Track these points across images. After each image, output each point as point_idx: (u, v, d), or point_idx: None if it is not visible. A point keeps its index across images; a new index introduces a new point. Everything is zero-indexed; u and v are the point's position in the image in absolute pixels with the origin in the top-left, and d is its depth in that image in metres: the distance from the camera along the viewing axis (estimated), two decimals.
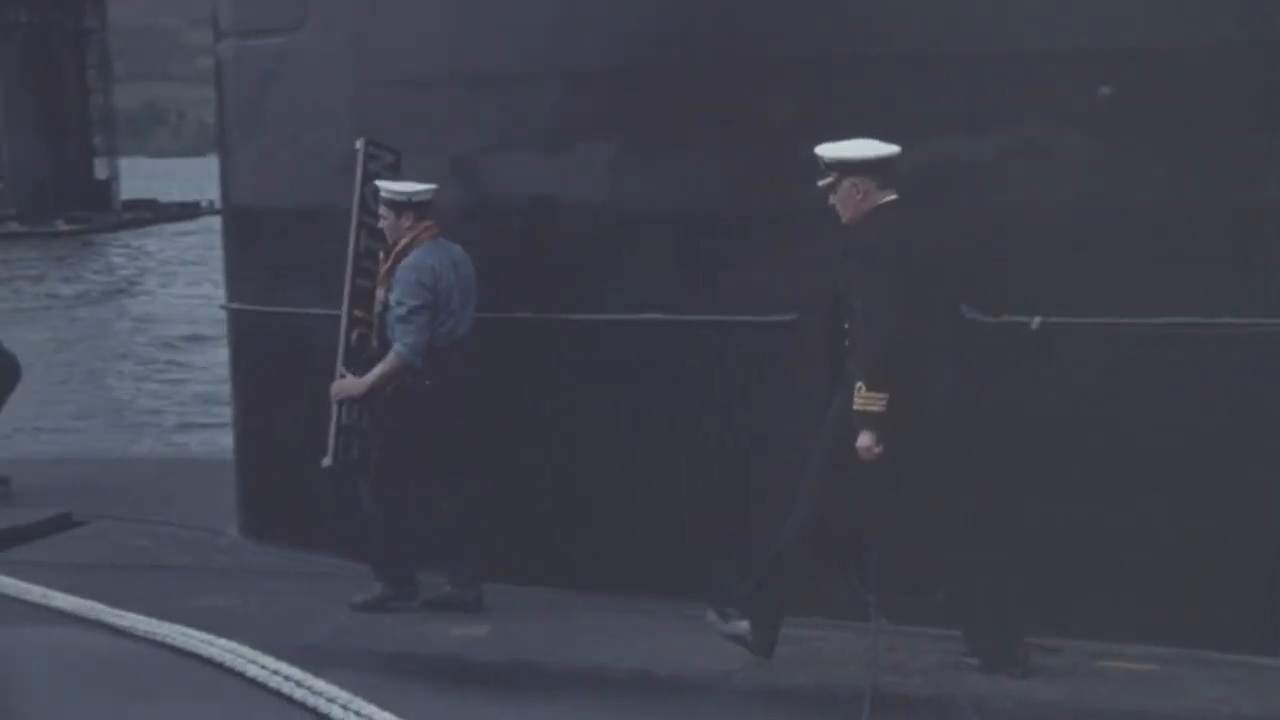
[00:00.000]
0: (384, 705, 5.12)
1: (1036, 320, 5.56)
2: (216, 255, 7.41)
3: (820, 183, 5.34)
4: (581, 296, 6.43)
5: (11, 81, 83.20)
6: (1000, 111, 5.67)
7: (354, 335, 6.52)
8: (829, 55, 5.88)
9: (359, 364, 6.39)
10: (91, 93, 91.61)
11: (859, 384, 5.08)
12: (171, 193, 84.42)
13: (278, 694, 5.38)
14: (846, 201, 5.30)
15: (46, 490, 8.92)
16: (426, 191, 6.33)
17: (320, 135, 7.00)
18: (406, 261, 6.26)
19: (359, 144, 6.52)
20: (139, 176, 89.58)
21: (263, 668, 5.54)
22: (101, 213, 70.44)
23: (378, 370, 6.25)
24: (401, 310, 6.18)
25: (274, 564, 7.15)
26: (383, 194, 6.35)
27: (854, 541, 5.42)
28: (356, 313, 6.49)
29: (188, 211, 75.30)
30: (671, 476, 6.29)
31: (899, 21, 5.76)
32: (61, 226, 73.39)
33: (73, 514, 8.17)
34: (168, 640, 5.89)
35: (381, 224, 6.39)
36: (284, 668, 5.50)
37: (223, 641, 5.76)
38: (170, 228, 68.06)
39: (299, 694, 5.32)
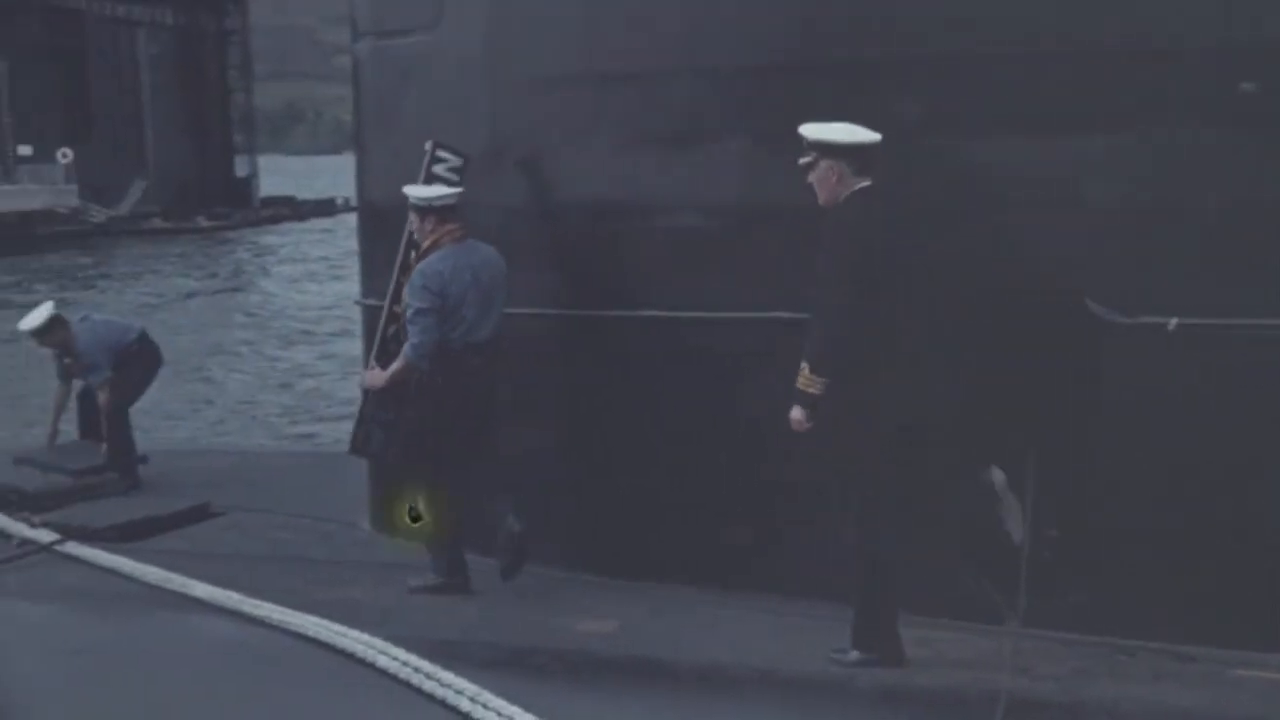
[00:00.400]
0: (511, 699, 5.16)
1: (1174, 322, 5.44)
2: (347, 252, 7.51)
3: (800, 161, 5.41)
4: (710, 294, 6.41)
5: (157, 82, 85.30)
6: (1139, 109, 5.55)
7: (391, 329, 6.80)
8: (963, 51, 5.81)
9: (390, 357, 6.64)
10: (233, 92, 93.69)
11: (803, 364, 5.21)
12: (308, 190, 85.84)
13: (408, 686, 5.45)
14: (822, 183, 5.39)
15: (185, 481, 9.14)
16: (448, 196, 6.55)
17: (453, 134, 7.07)
18: (419, 265, 6.50)
19: (427, 146, 6.74)
20: (277, 174, 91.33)
21: (393, 659, 5.61)
22: (241, 209, 71.95)
23: (393, 366, 6.53)
24: (409, 312, 6.43)
25: (405, 558, 7.24)
26: (410, 199, 6.60)
27: (988, 543, 5.36)
28: (395, 308, 6.73)
29: (323, 208, 76.56)
30: (792, 477, 6.26)
31: (1032, 16, 5.66)
32: (203, 223, 75.02)
33: (211, 505, 8.35)
34: (302, 631, 5.99)
35: (411, 226, 6.65)
36: (414, 660, 5.57)
37: (355, 633, 5.85)
38: (306, 224, 69.23)
39: (429, 686, 5.39)
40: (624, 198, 6.63)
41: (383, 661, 5.62)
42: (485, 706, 5.16)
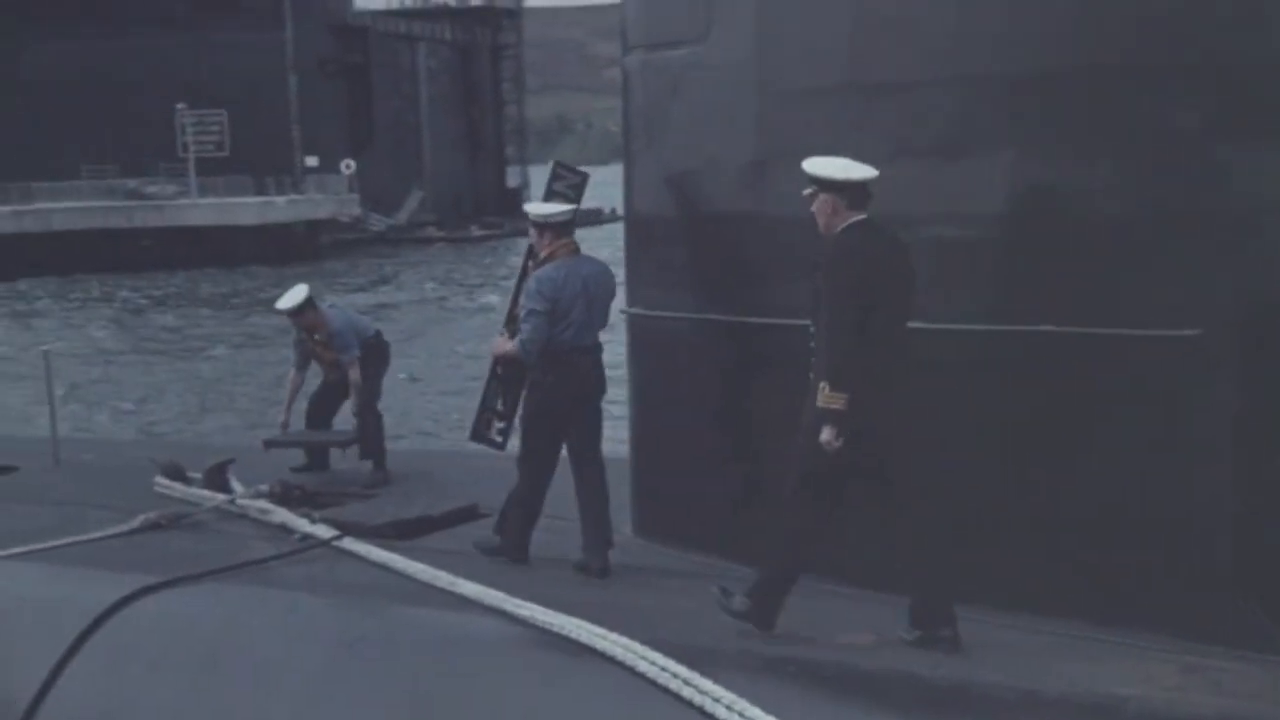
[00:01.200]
0: (767, 709, 5.16)
1: None
2: (611, 261, 7.69)
3: (804, 193, 5.88)
4: (975, 307, 6.31)
5: (435, 95, 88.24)
6: None
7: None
8: (1243, 57, 5.59)
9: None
10: (506, 105, 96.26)
11: (823, 384, 5.66)
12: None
13: (665, 691, 5.51)
14: (820, 214, 5.87)
15: (455, 482, 9.41)
16: (564, 213, 7.34)
17: (720, 144, 7.13)
18: (537, 272, 7.25)
19: (551, 164, 7.52)
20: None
21: (652, 664, 5.68)
22: (512, 219, 73.82)
23: (508, 347, 7.39)
24: (523, 311, 7.21)
25: (665, 563, 7.32)
26: (530, 215, 7.35)
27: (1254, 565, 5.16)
28: (515, 310, 7.56)
29: (591, 218, 77.60)
30: (1069, 497, 6.11)
31: None
32: (475, 232, 77.34)
33: (479, 506, 8.58)
34: (564, 631, 6.11)
35: (531, 239, 7.40)
36: (672, 665, 5.62)
37: (615, 636, 5.93)
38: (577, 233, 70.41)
39: (686, 692, 5.44)
40: (888, 209, 6.57)
41: (642, 666, 5.69)
42: (742, 715, 5.18)
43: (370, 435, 9.73)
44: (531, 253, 7.57)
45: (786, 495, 5.89)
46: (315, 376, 10.13)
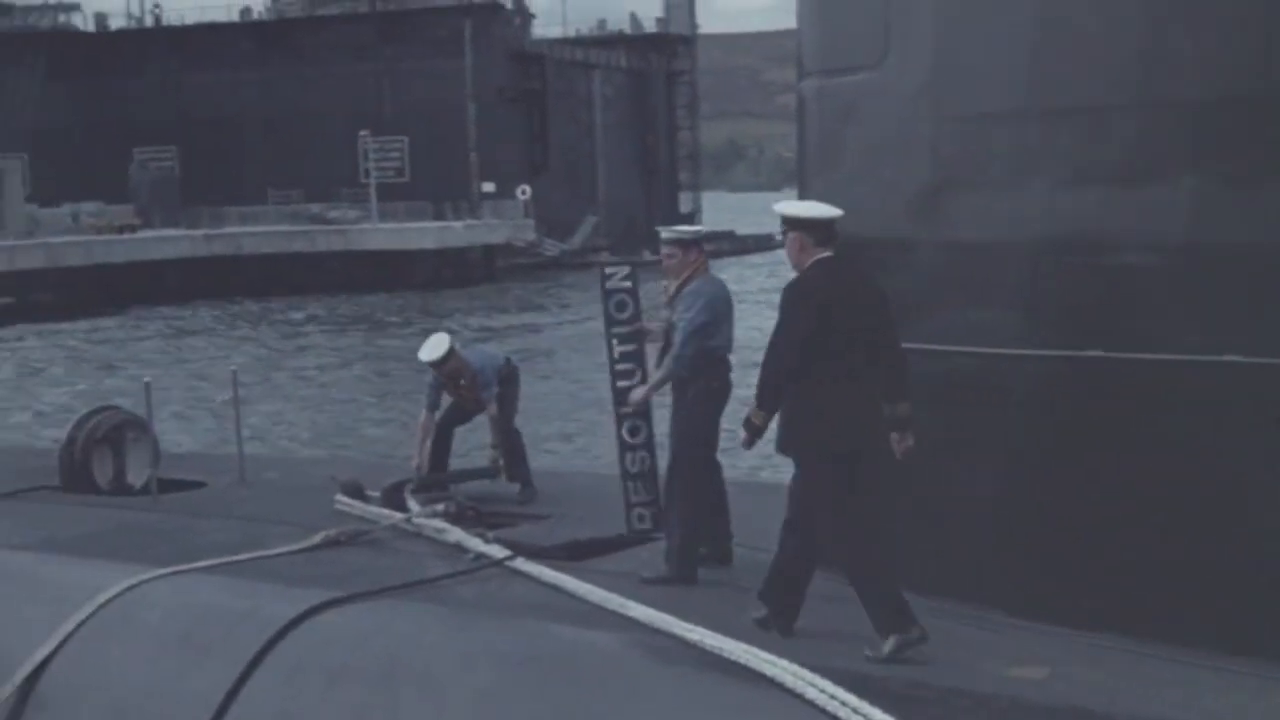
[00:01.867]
0: None
1: None
2: (774, 288, 7.79)
3: (778, 233, 6.35)
4: (1153, 334, 6.18)
5: (609, 121, 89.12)
6: None
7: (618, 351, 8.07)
8: None
9: (621, 377, 8.01)
10: (679, 131, 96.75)
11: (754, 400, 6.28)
12: (748, 225, 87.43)
13: (834, 719, 5.48)
14: (790, 251, 6.36)
15: (620, 506, 9.46)
16: (705, 233, 7.81)
17: (896, 169, 7.10)
18: (689, 288, 7.48)
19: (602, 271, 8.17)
20: (718, 210, 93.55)
21: (820, 691, 5.65)
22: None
23: (657, 376, 7.65)
24: (687, 326, 7.39)
25: (833, 590, 7.27)
26: (673, 234, 7.62)
27: None
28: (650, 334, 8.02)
29: (761, 244, 77.91)
30: (1244, 533, 5.94)
31: None
32: (647, 256, 77.60)
33: (651, 530, 8.62)
34: (733, 656, 6.11)
35: (668, 261, 7.61)
36: (841, 693, 5.59)
37: (784, 662, 5.91)
38: (745, 259, 70.53)
39: None
40: (1067, 235, 6.48)
41: (810, 693, 5.67)
42: None
43: (516, 457, 9.92)
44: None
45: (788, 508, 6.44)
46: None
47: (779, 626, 6.48)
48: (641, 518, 8.28)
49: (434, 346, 9.87)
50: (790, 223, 6.34)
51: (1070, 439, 6.45)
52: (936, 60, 6.93)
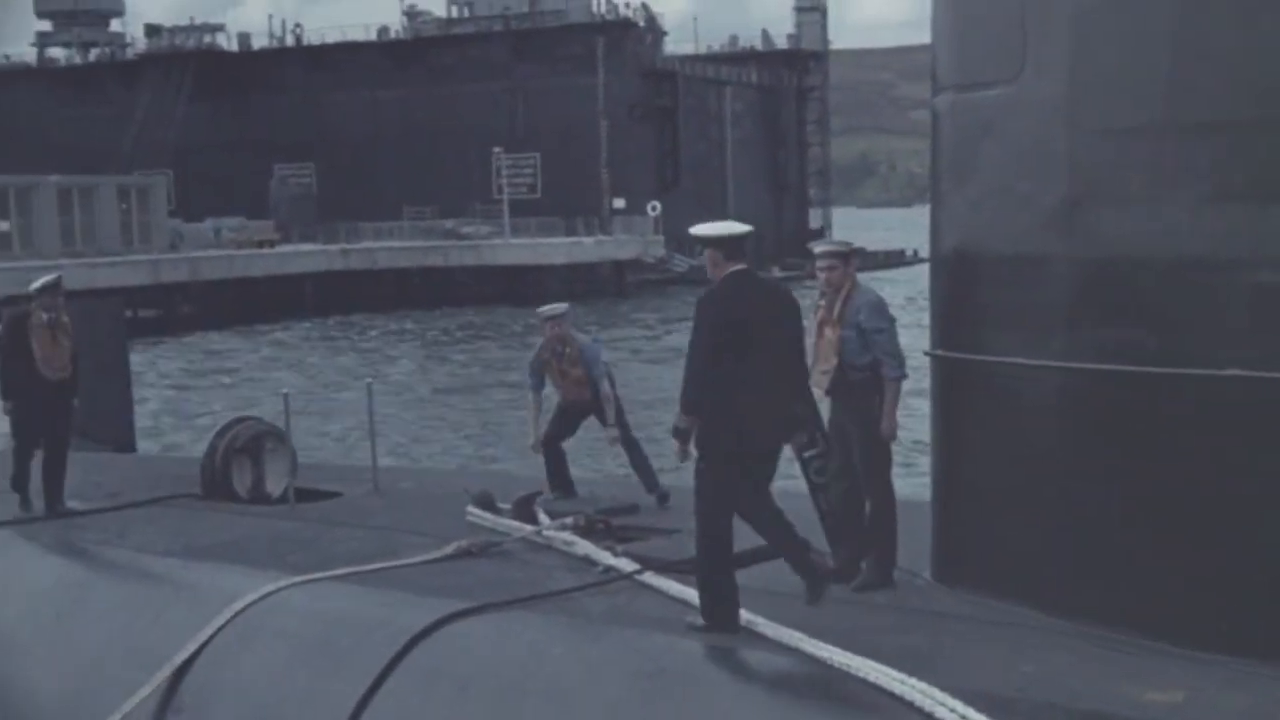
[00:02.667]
0: None
1: None
2: (907, 303, 7.73)
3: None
4: None
5: (739, 137, 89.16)
6: None
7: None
8: None
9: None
10: (810, 147, 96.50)
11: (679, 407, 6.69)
12: (878, 241, 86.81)
13: None
14: (709, 265, 6.85)
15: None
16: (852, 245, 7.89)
17: (1032, 184, 7.01)
18: (863, 299, 7.60)
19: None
20: (848, 226, 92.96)
21: (952, 711, 5.60)
22: (813, 260, 73.76)
23: (891, 401, 7.50)
24: (882, 336, 7.49)
25: (966, 610, 7.20)
26: (831, 246, 7.78)
27: None
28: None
29: (893, 260, 77.29)
30: None
31: None
32: (776, 272, 77.40)
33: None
34: (862, 674, 6.07)
35: (829, 274, 7.67)
36: (971, 713, 5.53)
37: (914, 681, 5.87)
38: (876, 275, 70.06)
39: None
40: (1207, 252, 6.35)
41: (940, 713, 5.62)
42: None
43: (645, 467, 10.14)
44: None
45: (697, 505, 6.80)
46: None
47: (720, 627, 6.78)
48: (846, 551, 7.96)
49: (556, 305, 10.38)
50: (704, 241, 6.85)
51: (1209, 459, 6.32)
52: (1074, 74, 6.84)
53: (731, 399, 6.58)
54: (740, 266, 6.81)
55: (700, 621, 6.88)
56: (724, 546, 6.83)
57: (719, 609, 6.81)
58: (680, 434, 6.70)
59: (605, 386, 10.11)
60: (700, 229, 6.89)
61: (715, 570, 6.83)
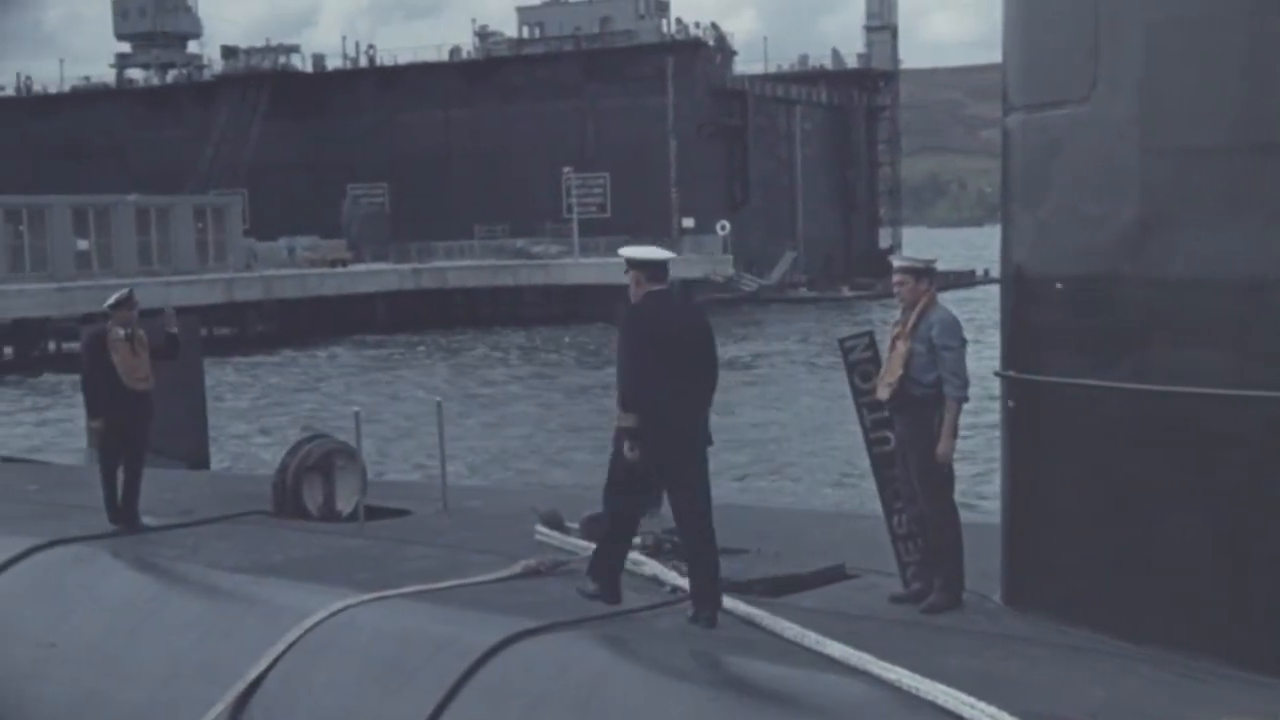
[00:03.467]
0: None
1: None
2: (979, 323, 7.68)
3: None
4: None
5: (808, 157, 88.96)
6: None
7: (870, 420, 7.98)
8: None
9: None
10: (880, 166, 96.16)
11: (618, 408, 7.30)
12: (949, 261, 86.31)
13: None
14: (631, 285, 7.46)
15: (823, 542, 9.43)
16: (934, 261, 8.00)
17: (1103, 204, 6.96)
18: (937, 315, 7.63)
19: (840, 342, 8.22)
20: (918, 246, 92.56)
21: None
22: (883, 279, 73.56)
23: (950, 421, 7.49)
24: (950, 354, 7.52)
25: (1035, 633, 7.14)
26: (905, 262, 7.82)
27: None
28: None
29: (963, 280, 76.76)
30: None
31: None
32: (845, 292, 77.26)
33: (846, 566, 8.57)
34: (930, 697, 6.04)
35: (900, 289, 7.73)
36: None
37: (983, 705, 5.83)
38: (946, 295, 69.60)
39: None
40: (1271, 273, 6.28)
41: None
42: None
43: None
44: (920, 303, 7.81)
45: (606, 491, 7.51)
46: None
47: (604, 597, 7.53)
48: (916, 575, 7.97)
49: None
50: (630, 263, 7.48)
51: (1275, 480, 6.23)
52: (1146, 93, 6.79)
53: (655, 398, 7.21)
54: (660, 288, 7.46)
55: (591, 588, 7.55)
56: (632, 524, 7.70)
57: (612, 581, 7.56)
58: (629, 432, 7.22)
59: None
60: (626, 251, 7.56)
61: (618, 545, 7.64)
